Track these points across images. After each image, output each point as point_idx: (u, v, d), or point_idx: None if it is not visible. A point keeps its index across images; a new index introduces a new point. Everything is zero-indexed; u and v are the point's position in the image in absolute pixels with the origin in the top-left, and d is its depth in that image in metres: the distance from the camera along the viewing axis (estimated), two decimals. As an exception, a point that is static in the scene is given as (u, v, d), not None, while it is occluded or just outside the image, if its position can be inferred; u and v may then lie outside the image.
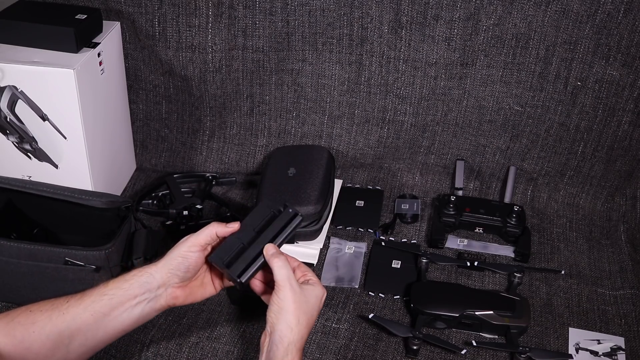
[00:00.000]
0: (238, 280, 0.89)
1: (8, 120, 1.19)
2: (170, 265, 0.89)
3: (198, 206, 1.29)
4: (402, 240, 1.30)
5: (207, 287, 0.95)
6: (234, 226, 0.92)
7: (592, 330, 1.13)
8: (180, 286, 0.91)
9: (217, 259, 0.90)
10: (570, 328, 1.13)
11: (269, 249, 0.90)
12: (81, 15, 1.21)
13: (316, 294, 0.88)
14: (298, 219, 0.94)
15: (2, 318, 0.84)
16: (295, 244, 1.24)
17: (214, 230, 0.91)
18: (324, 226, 1.27)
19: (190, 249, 0.90)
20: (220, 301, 1.14)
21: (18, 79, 1.15)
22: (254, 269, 0.90)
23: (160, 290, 0.89)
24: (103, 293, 0.87)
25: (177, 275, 0.90)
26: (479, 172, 1.42)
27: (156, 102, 1.42)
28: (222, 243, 0.92)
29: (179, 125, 1.44)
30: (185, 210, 1.28)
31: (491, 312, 1.10)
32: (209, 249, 0.92)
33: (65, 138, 1.20)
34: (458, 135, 1.39)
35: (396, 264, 1.23)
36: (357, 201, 1.38)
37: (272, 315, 0.85)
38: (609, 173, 1.36)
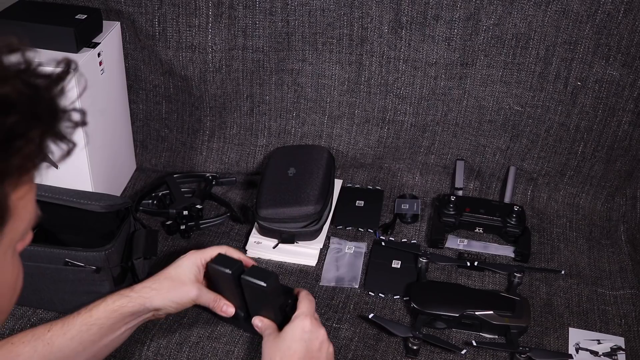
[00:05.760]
0: None
1: (8, 120, 1.18)
2: (169, 307, 0.94)
3: (198, 206, 1.29)
4: (402, 240, 1.30)
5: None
6: (229, 311, 0.98)
7: (592, 330, 1.13)
8: None
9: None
10: (570, 328, 1.13)
11: (255, 323, 0.94)
12: (81, 15, 1.21)
13: (293, 331, 0.88)
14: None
15: None
16: (295, 244, 1.24)
17: (214, 302, 0.98)
18: (324, 226, 1.27)
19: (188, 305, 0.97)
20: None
21: (18, 79, 1.15)
22: None
23: (150, 313, 0.94)
24: (90, 323, 0.88)
25: (171, 311, 0.96)
26: (479, 172, 1.42)
27: (156, 102, 1.42)
28: None
29: (179, 125, 1.44)
30: (185, 210, 1.28)
31: (491, 312, 1.10)
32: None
33: (65, 138, 1.20)
34: (458, 135, 1.39)
35: (396, 264, 1.23)
36: (357, 201, 1.38)
37: None
38: (609, 173, 1.36)
